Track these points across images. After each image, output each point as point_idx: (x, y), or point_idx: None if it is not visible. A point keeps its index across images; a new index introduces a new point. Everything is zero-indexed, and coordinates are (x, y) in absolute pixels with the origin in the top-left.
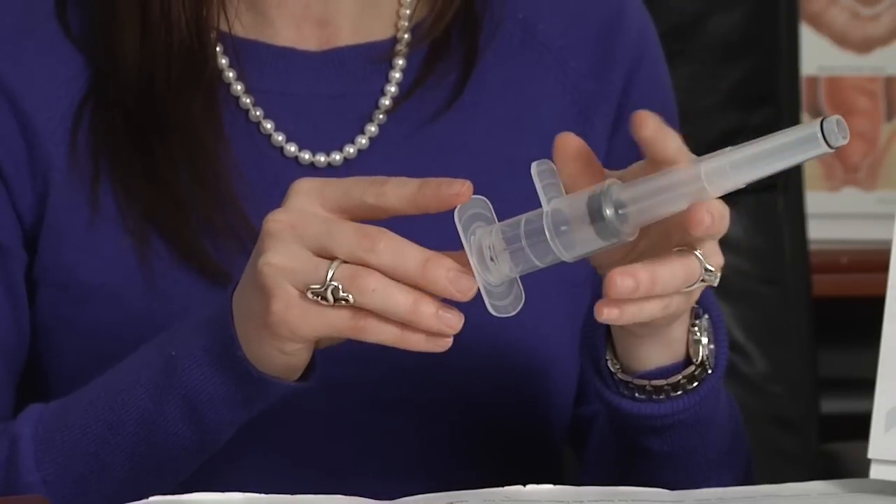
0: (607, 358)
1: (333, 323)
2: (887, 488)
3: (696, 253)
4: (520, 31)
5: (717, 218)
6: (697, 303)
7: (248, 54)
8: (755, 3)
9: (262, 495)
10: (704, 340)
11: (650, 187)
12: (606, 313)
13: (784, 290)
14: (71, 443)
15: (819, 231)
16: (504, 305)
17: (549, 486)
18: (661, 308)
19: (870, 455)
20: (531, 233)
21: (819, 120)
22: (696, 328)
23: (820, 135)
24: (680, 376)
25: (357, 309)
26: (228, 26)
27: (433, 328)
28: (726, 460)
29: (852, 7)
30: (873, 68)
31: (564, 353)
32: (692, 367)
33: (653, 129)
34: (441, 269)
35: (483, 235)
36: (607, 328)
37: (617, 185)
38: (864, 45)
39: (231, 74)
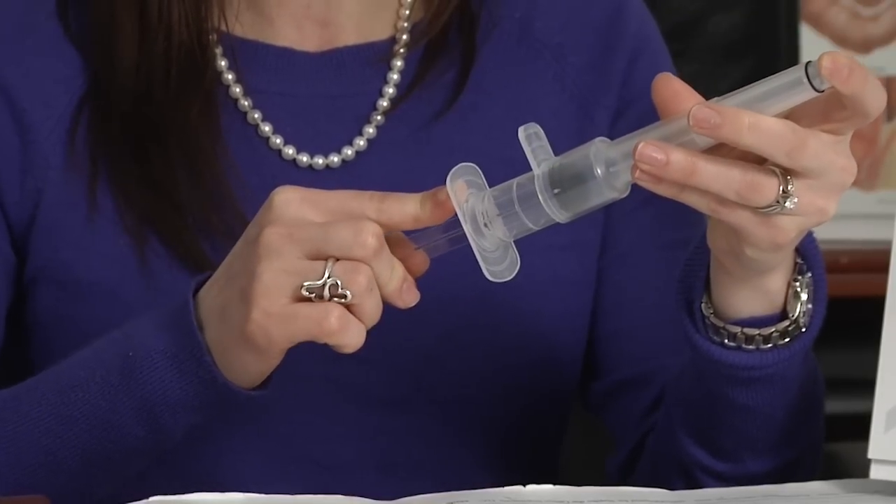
0: (703, 301)
1: (307, 328)
2: (887, 488)
3: (776, 170)
4: (517, 30)
5: (854, 68)
6: (804, 259)
7: (247, 55)
8: (755, 3)
9: (262, 495)
10: (804, 297)
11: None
12: (638, 175)
13: None
14: (22, 434)
15: (819, 231)
16: (500, 270)
17: (549, 486)
18: (705, 203)
19: (870, 455)
20: (524, 197)
21: (804, 63)
22: (798, 283)
23: (805, 79)
24: (773, 329)
25: (332, 309)
26: (228, 27)
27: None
28: (803, 424)
29: (852, 7)
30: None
31: (566, 344)
32: (787, 322)
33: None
34: (411, 296)
35: (476, 202)
36: (707, 272)
37: (605, 142)
38: (864, 45)
39: (230, 76)
